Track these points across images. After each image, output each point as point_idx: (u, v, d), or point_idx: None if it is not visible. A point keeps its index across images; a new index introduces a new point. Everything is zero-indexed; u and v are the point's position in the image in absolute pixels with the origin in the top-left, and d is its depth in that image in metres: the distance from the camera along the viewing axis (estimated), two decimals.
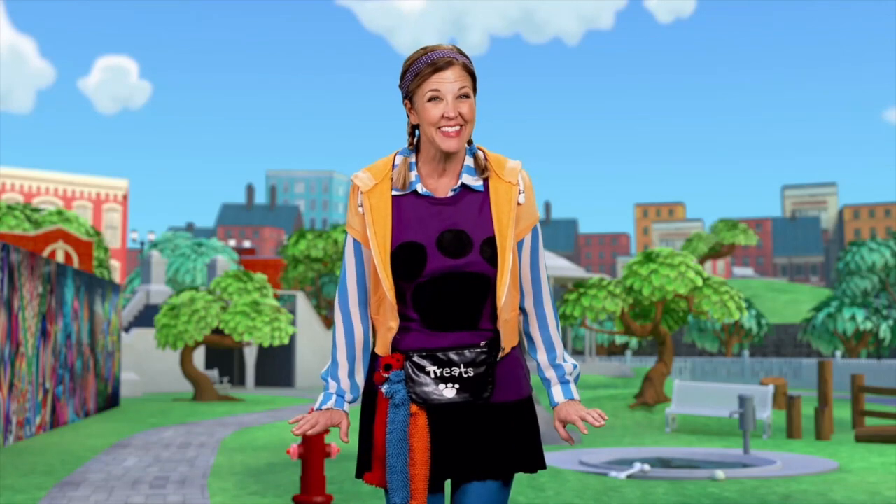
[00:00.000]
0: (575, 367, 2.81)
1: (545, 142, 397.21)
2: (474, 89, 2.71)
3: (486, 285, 2.67)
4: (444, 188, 2.71)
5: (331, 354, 2.77)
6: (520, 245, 2.75)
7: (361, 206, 2.72)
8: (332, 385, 2.75)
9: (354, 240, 2.75)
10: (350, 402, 2.76)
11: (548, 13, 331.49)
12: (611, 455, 12.45)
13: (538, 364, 2.81)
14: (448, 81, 2.64)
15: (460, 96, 2.65)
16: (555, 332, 2.80)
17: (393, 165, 2.74)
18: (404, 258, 2.65)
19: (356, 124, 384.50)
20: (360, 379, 2.78)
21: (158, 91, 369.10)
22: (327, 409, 2.72)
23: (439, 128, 2.64)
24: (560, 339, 2.81)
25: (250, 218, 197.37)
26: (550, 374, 2.79)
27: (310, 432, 2.69)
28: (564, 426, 2.80)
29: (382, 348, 2.72)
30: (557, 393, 2.78)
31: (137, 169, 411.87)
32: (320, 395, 2.75)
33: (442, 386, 2.63)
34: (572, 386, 2.79)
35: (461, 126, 2.65)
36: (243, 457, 12.37)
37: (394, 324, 2.69)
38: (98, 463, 11.60)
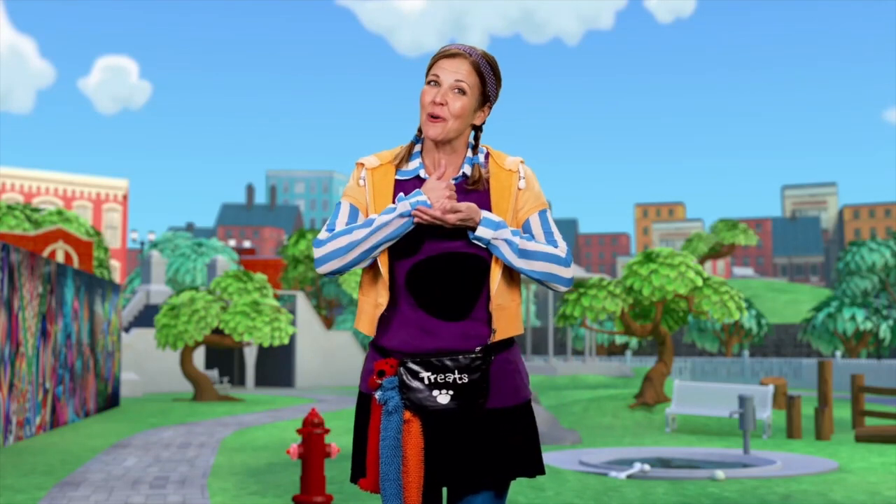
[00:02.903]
0: (521, 236, 2.65)
1: (545, 142, 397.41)
2: (484, 93, 2.72)
3: (482, 268, 2.67)
4: (445, 175, 2.74)
5: (352, 232, 2.62)
6: (526, 224, 2.73)
7: (364, 180, 2.74)
8: (394, 212, 2.61)
9: (351, 205, 2.73)
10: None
11: (548, 13, 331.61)
12: (611, 455, 12.45)
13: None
14: (448, 70, 2.68)
15: (456, 89, 2.67)
16: (545, 246, 2.67)
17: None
18: (403, 236, 2.66)
19: (356, 124, 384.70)
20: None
21: (158, 91, 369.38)
22: (419, 199, 2.61)
23: (428, 112, 2.68)
24: (546, 245, 2.66)
25: (250, 218, 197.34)
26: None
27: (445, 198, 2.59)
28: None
29: (368, 326, 2.71)
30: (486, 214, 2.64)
31: (137, 169, 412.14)
32: (386, 217, 2.61)
33: (436, 392, 2.62)
34: (491, 226, 2.61)
35: (446, 118, 2.66)
36: (243, 457, 12.37)
37: (382, 300, 2.68)
38: (98, 463, 11.60)
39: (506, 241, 2.63)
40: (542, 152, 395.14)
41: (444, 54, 2.70)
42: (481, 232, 2.62)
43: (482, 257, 2.67)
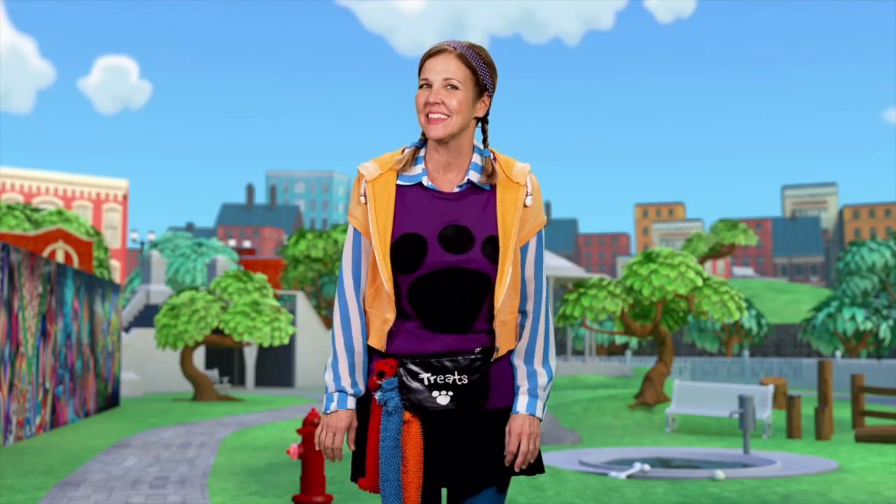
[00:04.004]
0: (549, 379, 2.73)
1: (545, 142, 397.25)
2: (477, 83, 2.68)
3: (484, 284, 2.64)
4: (449, 184, 2.71)
5: (331, 351, 2.75)
6: (524, 248, 2.72)
7: (364, 195, 2.71)
8: (332, 384, 2.70)
9: (356, 230, 2.73)
10: (355, 396, 2.70)
11: (548, 13, 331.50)
12: (611, 455, 12.45)
13: (514, 367, 2.74)
14: (437, 70, 2.65)
15: (448, 86, 2.65)
16: (542, 337, 2.74)
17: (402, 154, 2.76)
18: (404, 249, 2.63)
19: (356, 124, 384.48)
20: (361, 374, 2.73)
21: (158, 91, 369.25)
22: (332, 412, 2.69)
23: (426, 114, 2.65)
24: (545, 345, 2.73)
25: (250, 218, 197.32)
26: (522, 381, 2.72)
27: (329, 446, 2.68)
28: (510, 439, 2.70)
29: (377, 340, 2.70)
30: (522, 403, 2.69)
31: (137, 169, 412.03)
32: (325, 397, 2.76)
33: (436, 393, 2.61)
34: (539, 402, 2.70)
35: (446, 115, 2.64)
36: (243, 457, 12.38)
37: (390, 315, 2.67)
38: (98, 463, 11.60)
39: (547, 393, 2.77)
40: (542, 152, 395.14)
41: (430, 54, 2.68)
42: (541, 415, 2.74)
43: (486, 273, 2.64)
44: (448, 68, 2.65)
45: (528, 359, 2.72)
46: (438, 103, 2.64)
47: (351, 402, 2.69)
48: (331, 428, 2.67)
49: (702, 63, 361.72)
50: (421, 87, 2.67)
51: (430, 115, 2.64)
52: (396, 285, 2.67)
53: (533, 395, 2.70)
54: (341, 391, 2.69)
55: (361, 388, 2.71)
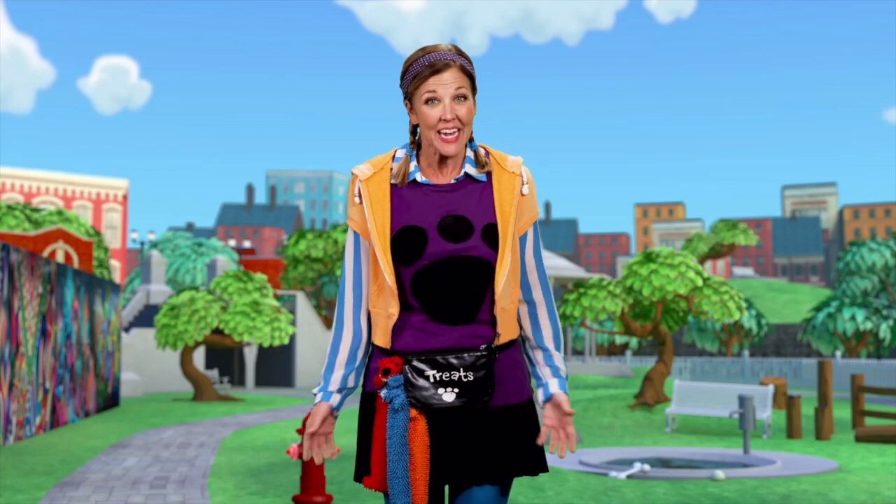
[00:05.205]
0: (564, 362, 2.84)
1: (545, 142, 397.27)
2: (473, 90, 2.71)
3: (486, 270, 2.67)
4: (445, 178, 2.73)
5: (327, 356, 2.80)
6: (523, 239, 2.76)
7: (359, 195, 2.74)
8: (318, 386, 2.78)
9: (355, 233, 2.76)
10: (339, 392, 2.75)
11: (548, 13, 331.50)
12: (611, 455, 12.45)
13: (535, 348, 2.81)
14: (445, 84, 2.64)
15: (457, 97, 2.65)
16: (558, 321, 2.83)
17: (393, 158, 2.77)
18: (405, 241, 2.65)
19: (356, 124, 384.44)
20: (353, 375, 2.78)
21: (158, 91, 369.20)
22: (310, 419, 2.76)
23: (438, 131, 2.65)
24: (561, 329, 2.83)
25: (250, 218, 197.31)
26: (550, 364, 2.80)
27: (316, 450, 2.73)
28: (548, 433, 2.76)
29: (382, 338, 2.72)
30: (554, 384, 2.77)
31: (137, 169, 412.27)
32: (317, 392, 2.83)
33: (441, 390, 2.63)
34: (566, 382, 2.80)
35: (459, 129, 2.65)
36: (243, 457, 12.38)
37: (394, 310, 2.68)
38: (98, 463, 11.60)
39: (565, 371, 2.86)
40: (543, 152, 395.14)
41: (433, 69, 2.65)
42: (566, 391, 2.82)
43: (487, 259, 2.66)
44: (455, 80, 2.66)
45: (557, 344, 2.82)
46: (452, 119, 2.65)
47: (333, 399, 2.75)
48: (313, 440, 2.75)
49: (702, 63, 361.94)
50: (427, 102, 2.65)
51: (445, 133, 2.64)
52: (399, 278, 2.69)
53: (560, 376, 2.80)
54: (325, 391, 2.76)
55: (348, 384, 2.77)
